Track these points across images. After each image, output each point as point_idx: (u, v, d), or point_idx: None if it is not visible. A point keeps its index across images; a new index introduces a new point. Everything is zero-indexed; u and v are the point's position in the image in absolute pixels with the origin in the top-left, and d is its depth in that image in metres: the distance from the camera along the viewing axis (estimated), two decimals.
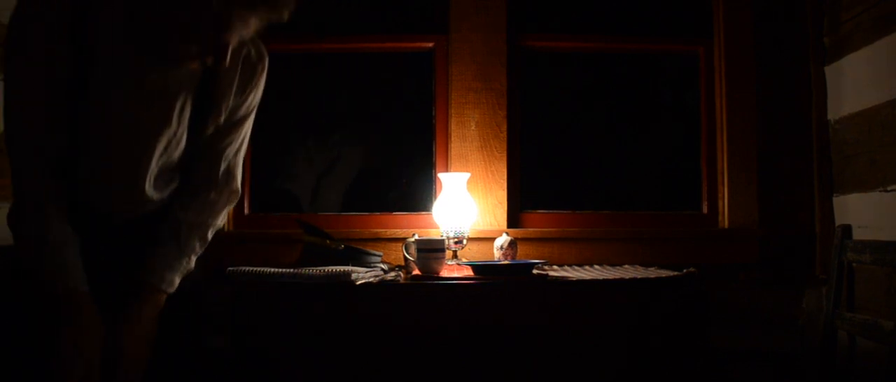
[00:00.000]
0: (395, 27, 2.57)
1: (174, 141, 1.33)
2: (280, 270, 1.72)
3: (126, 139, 1.29)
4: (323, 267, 1.74)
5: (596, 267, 2.12)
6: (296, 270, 1.72)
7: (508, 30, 2.43)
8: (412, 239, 1.96)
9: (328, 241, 1.93)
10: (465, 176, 2.22)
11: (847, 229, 2.14)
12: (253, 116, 1.47)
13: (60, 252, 1.25)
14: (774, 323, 2.34)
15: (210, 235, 1.48)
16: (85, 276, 1.27)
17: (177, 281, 1.39)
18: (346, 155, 2.65)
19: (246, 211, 2.45)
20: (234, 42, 1.16)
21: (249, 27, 1.17)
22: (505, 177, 2.39)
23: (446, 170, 2.43)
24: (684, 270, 1.84)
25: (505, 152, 2.40)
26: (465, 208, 2.15)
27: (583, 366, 1.68)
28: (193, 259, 1.43)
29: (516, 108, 2.47)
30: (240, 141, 1.47)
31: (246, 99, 1.41)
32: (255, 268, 1.72)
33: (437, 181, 2.42)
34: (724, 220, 2.43)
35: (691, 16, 2.57)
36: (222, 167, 1.45)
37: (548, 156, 2.61)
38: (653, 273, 1.88)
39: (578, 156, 2.67)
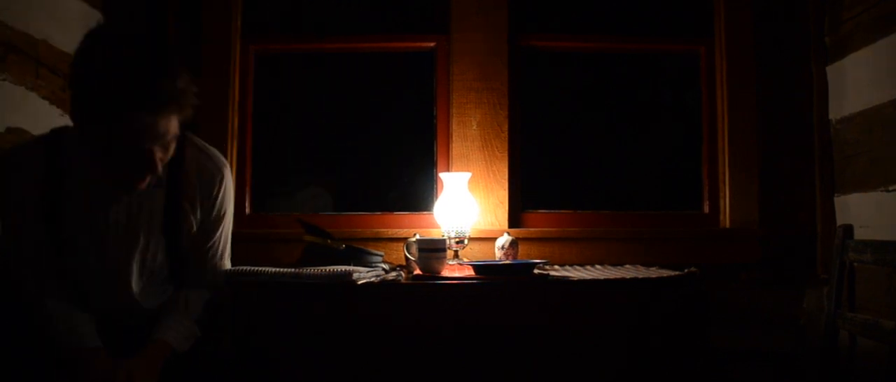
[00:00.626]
0: (395, 27, 2.57)
1: (149, 254, 1.55)
2: (281, 270, 1.72)
3: (102, 259, 1.51)
4: (324, 267, 1.74)
5: (597, 266, 2.12)
6: (297, 270, 1.72)
7: (509, 29, 2.43)
8: (413, 239, 1.96)
9: (329, 241, 1.93)
10: (467, 175, 2.22)
11: (848, 229, 2.14)
12: (228, 219, 1.67)
13: (67, 319, 1.46)
14: (775, 323, 2.34)
15: (207, 298, 1.66)
16: (94, 332, 1.48)
17: (179, 338, 1.55)
18: (348, 154, 2.64)
19: (247, 210, 2.45)
20: (158, 150, 1.34)
21: (168, 130, 1.33)
22: (506, 176, 2.39)
23: (447, 169, 2.43)
24: (685, 270, 1.83)
25: (506, 152, 2.40)
26: (466, 208, 2.15)
27: (584, 366, 1.68)
28: (194, 321, 1.60)
29: (517, 108, 2.47)
30: (221, 242, 1.68)
31: (214, 205, 1.61)
32: (255, 268, 1.72)
33: (439, 181, 2.42)
34: (726, 220, 2.43)
35: (692, 15, 2.57)
36: (209, 268, 1.67)
37: (549, 156, 2.61)
38: (654, 273, 1.88)
39: (579, 155, 2.66)
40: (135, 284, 1.56)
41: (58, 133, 1.49)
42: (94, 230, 1.48)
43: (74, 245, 1.48)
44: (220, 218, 1.65)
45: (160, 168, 1.36)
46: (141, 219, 1.51)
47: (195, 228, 1.60)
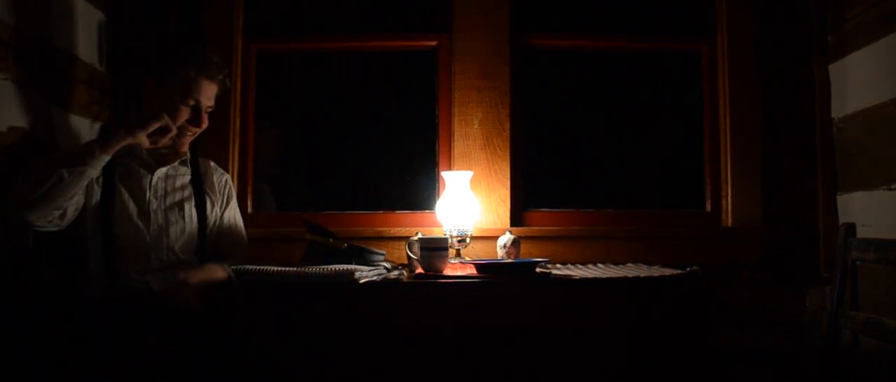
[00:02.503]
0: (398, 26, 2.57)
1: (185, 216, 1.88)
2: (283, 269, 1.72)
3: (147, 219, 1.83)
4: (326, 266, 1.74)
5: (599, 265, 2.12)
6: (299, 269, 1.72)
7: (511, 29, 2.43)
8: (415, 238, 1.96)
9: (331, 240, 1.93)
10: (468, 174, 2.22)
11: (851, 227, 2.13)
12: (238, 218, 2.06)
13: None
14: (776, 323, 2.34)
15: (234, 256, 1.97)
16: None
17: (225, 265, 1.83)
18: (349, 153, 2.64)
19: (249, 209, 2.45)
20: (206, 110, 1.89)
21: (213, 95, 1.91)
22: (508, 175, 2.39)
23: (449, 168, 2.43)
24: (687, 268, 1.83)
25: (508, 151, 2.40)
26: (468, 206, 2.14)
27: (585, 365, 1.68)
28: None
29: (519, 107, 2.47)
30: (237, 223, 2.06)
31: (226, 207, 2.03)
32: (257, 267, 1.72)
33: (440, 179, 2.42)
34: (728, 219, 2.43)
35: (694, 14, 2.57)
36: (233, 236, 2.03)
37: (551, 155, 2.61)
38: (655, 271, 1.88)
39: (581, 154, 2.66)
40: (175, 240, 1.84)
41: (104, 134, 1.85)
42: (139, 196, 1.84)
43: (125, 212, 1.80)
44: (233, 211, 2.05)
45: (205, 124, 1.90)
46: (176, 187, 1.91)
47: (215, 211, 1.99)
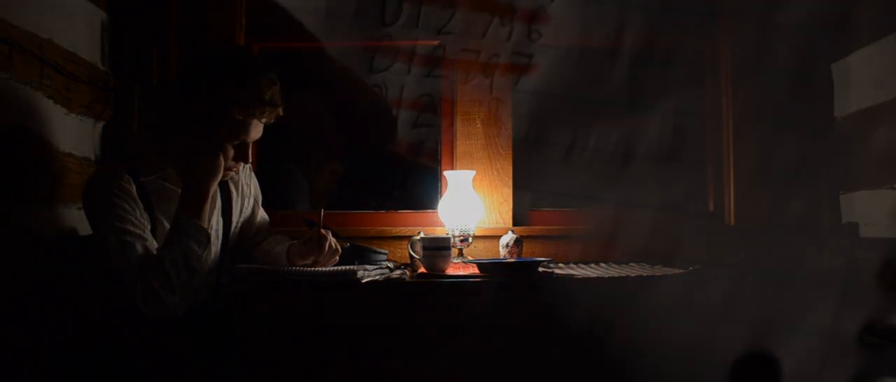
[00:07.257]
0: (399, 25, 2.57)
1: (213, 232, 1.74)
2: (285, 268, 1.72)
3: None
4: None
5: (601, 264, 2.11)
6: (301, 268, 1.72)
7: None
8: (418, 238, 1.96)
9: None
10: (471, 173, 2.22)
11: (854, 227, 2.13)
12: (259, 197, 2.04)
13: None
14: None
15: None
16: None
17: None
18: (351, 152, 2.64)
19: None
20: (254, 135, 1.73)
21: (260, 128, 1.74)
22: (510, 174, 2.39)
23: (451, 167, 2.42)
24: (690, 268, 1.83)
25: (510, 150, 2.39)
26: (470, 206, 2.14)
27: (588, 364, 1.68)
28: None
29: (522, 105, 2.46)
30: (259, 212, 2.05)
31: (251, 190, 1.99)
32: (259, 267, 1.72)
33: (443, 179, 2.42)
34: (731, 218, 2.42)
35: (697, 12, 2.55)
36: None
37: (553, 154, 2.60)
38: (658, 271, 1.88)
39: (584, 152, 2.65)
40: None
41: (129, 158, 1.78)
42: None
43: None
44: (258, 200, 2.02)
45: (249, 159, 1.79)
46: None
47: (244, 209, 1.95)
